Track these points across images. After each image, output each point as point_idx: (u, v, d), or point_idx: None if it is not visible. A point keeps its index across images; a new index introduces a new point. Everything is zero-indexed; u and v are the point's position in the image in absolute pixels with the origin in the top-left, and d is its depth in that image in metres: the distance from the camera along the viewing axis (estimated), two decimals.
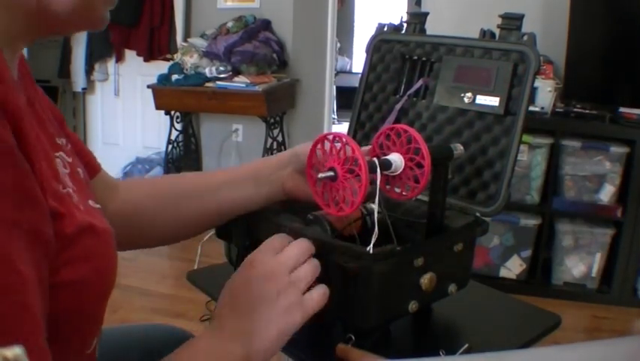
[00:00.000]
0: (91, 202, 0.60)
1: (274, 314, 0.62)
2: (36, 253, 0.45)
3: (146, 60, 3.66)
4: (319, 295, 0.66)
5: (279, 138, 3.57)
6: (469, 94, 0.94)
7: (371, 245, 0.72)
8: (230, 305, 0.64)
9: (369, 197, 0.73)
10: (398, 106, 1.02)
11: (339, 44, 6.20)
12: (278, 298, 0.62)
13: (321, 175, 0.72)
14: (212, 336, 0.63)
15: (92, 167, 0.77)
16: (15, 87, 0.46)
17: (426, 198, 0.84)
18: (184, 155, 3.69)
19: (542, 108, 2.50)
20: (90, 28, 0.60)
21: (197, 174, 0.89)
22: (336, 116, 6.13)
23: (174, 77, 3.34)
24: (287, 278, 0.64)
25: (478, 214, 0.88)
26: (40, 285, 0.46)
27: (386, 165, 0.76)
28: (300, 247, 0.67)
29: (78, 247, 0.52)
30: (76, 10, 0.55)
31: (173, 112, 3.54)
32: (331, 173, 0.72)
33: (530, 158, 2.48)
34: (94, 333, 0.59)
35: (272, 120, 3.44)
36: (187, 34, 3.74)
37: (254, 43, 3.34)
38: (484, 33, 0.96)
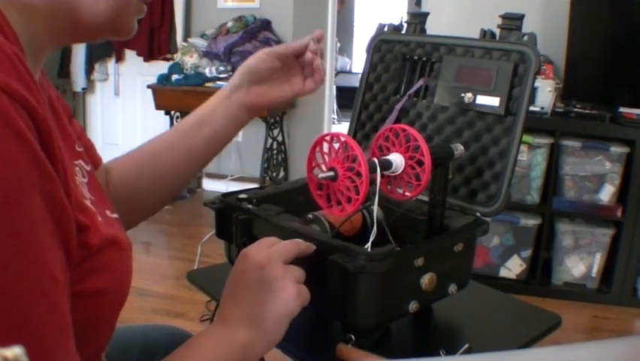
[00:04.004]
0: (108, 212, 0.60)
1: (271, 299, 0.64)
2: (64, 260, 0.46)
3: (146, 60, 3.66)
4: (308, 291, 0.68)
5: (279, 138, 3.57)
6: (469, 94, 0.94)
7: (369, 243, 0.72)
8: (229, 296, 0.66)
9: (370, 197, 0.73)
10: (398, 106, 1.02)
11: (339, 44, 6.20)
12: (274, 283, 0.64)
13: (321, 175, 0.72)
14: (216, 326, 0.65)
15: (94, 161, 0.78)
16: (42, 98, 0.46)
17: (426, 199, 0.84)
18: None
19: (542, 108, 2.50)
20: (119, 37, 0.60)
21: (167, 130, 0.89)
22: (336, 116, 6.13)
23: (174, 77, 3.34)
24: (281, 266, 0.65)
25: (478, 214, 0.88)
26: (68, 291, 0.47)
27: (386, 165, 0.76)
28: (292, 243, 0.69)
29: (101, 259, 0.53)
30: (108, 20, 0.56)
31: (173, 112, 3.54)
32: (331, 173, 0.72)
33: (530, 158, 2.48)
34: (107, 339, 0.60)
35: (272, 120, 3.44)
36: (187, 34, 3.74)
37: (254, 43, 3.34)
38: (484, 33, 0.96)
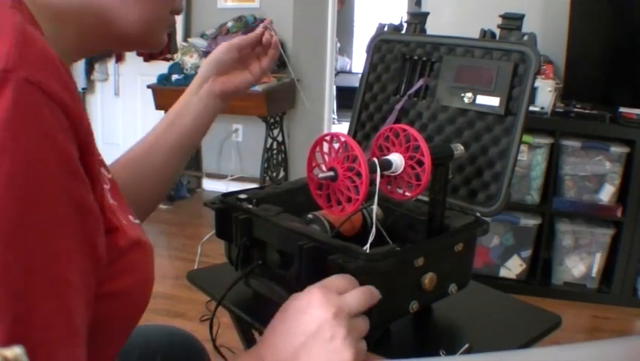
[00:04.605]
0: (131, 218, 0.60)
1: (322, 357, 0.56)
2: (87, 265, 0.46)
3: (146, 60, 3.66)
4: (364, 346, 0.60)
5: (279, 138, 3.57)
6: (469, 94, 0.94)
7: (368, 244, 0.72)
8: (276, 333, 0.59)
9: (370, 197, 0.73)
10: (398, 106, 1.02)
11: (339, 44, 6.20)
12: (333, 342, 0.56)
13: (321, 175, 0.72)
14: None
15: None
16: (80, 101, 0.46)
17: (426, 199, 0.84)
18: None
19: (542, 108, 2.50)
20: (148, 49, 0.62)
21: (150, 130, 0.93)
22: (336, 116, 6.13)
23: (174, 77, 3.34)
24: (347, 323, 0.57)
25: (478, 214, 0.88)
26: (86, 295, 0.46)
27: (386, 165, 0.76)
28: (367, 293, 0.62)
29: (127, 260, 0.53)
30: (139, 33, 0.57)
31: None
32: (331, 173, 0.72)
33: (530, 158, 2.48)
34: (125, 341, 0.60)
35: (272, 120, 3.44)
36: (187, 34, 3.74)
37: None
38: (484, 33, 0.96)
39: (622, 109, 2.46)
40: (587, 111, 2.50)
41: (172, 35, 3.60)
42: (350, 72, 7.09)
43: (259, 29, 0.91)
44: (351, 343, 0.56)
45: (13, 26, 0.44)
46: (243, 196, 0.91)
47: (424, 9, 3.18)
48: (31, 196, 0.41)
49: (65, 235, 0.43)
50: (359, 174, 0.69)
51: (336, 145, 0.72)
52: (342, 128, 5.83)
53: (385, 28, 1.08)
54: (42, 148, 0.41)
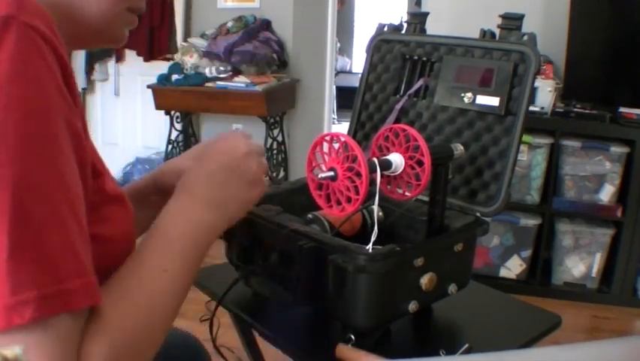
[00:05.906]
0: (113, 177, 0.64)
1: (245, 190, 0.68)
2: (80, 185, 0.51)
3: (146, 60, 3.65)
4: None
5: (279, 138, 3.57)
6: (469, 94, 0.94)
7: (370, 244, 0.72)
8: (204, 171, 0.67)
9: (370, 197, 0.73)
10: (398, 106, 1.02)
11: (339, 44, 6.20)
12: (251, 175, 0.68)
13: (321, 175, 0.72)
14: (187, 201, 0.66)
15: None
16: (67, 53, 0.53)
17: (426, 199, 0.84)
18: None
19: (542, 108, 2.50)
20: (109, 45, 0.65)
21: None
22: (336, 116, 6.12)
23: (174, 77, 3.33)
24: (259, 160, 0.70)
25: (478, 214, 0.88)
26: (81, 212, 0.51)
27: (386, 165, 0.76)
28: (260, 145, 0.73)
29: (111, 209, 0.58)
30: (98, 26, 0.61)
31: (173, 112, 3.54)
32: (331, 173, 0.72)
33: (530, 158, 2.48)
34: None
35: (272, 120, 3.43)
36: (187, 34, 3.73)
37: (254, 43, 3.34)
38: (484, 33, 0.96)
39: (622, 109, 2.46)
40: (587, 111, 2.50)
41: (172, 35, 3.60)
42: (350, 72, 7.09)
43: None
44: (262, 177, 0.70)
45: None
46: None
47: (424, 9, 3.18)
48: (37, 111, 0.47)
49: (68, 150, 0.50)
50: (359, 174, 0.69)
51: (336, 145, 0.72)
52: (342, 128, 5.83)
53: (385, 28, 1.08)
54: (46, 78, 0.48)
